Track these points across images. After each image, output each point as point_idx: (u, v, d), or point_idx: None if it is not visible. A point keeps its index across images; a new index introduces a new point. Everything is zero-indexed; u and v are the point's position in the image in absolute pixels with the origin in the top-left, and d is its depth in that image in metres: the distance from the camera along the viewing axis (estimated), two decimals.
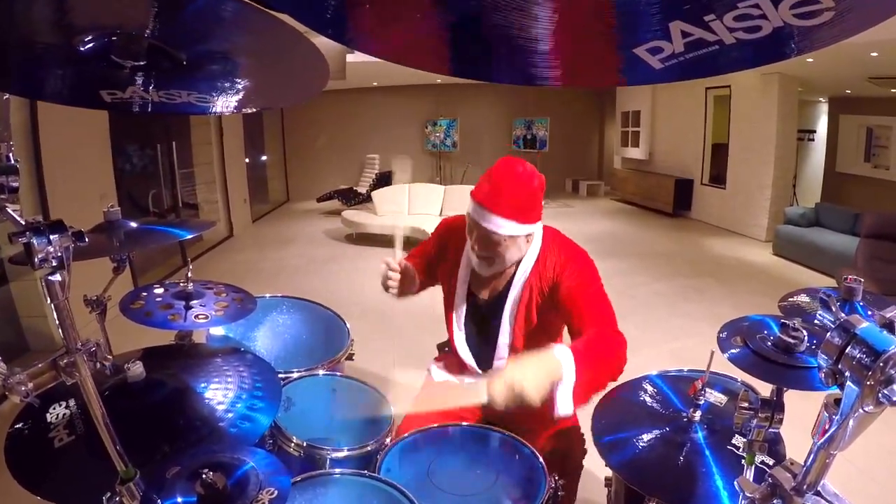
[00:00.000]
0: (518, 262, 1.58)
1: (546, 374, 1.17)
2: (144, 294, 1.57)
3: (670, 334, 4.30)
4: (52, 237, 0.63)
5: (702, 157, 9.26)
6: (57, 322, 0.65)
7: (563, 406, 1.19)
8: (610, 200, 11.75)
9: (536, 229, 1.54)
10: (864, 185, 7.81)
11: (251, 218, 9.31)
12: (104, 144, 4.78)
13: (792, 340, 0.85)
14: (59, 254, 0.64)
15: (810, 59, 6.35)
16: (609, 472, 1.48)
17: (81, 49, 0.66)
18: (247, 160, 9.43)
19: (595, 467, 2.40)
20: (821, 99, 8.90)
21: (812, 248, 6.24)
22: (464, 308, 1.69)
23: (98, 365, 0.70)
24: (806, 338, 0.86)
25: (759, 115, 7.81)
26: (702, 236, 8.14)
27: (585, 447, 1.66)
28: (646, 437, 1.16)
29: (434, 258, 1.80)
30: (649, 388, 1.35)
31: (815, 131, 9.16)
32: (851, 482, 2.45)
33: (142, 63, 0.69)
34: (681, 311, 4.81)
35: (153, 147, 6.48)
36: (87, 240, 0.65)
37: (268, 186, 11.30)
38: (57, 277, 0.64)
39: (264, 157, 11.19)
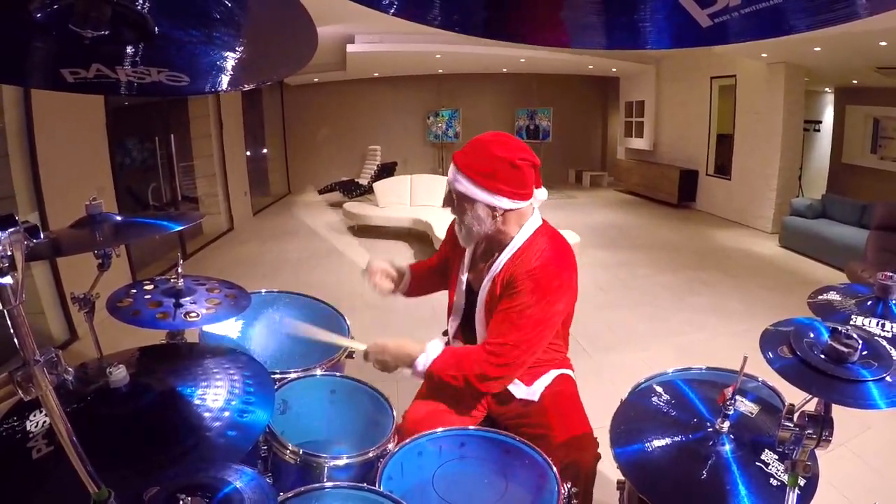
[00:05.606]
0: (500, 251, 1.57)
1: (406, 355, 1.53)
2: (133, 291, 1.50)
3: (677, 328, 4.21)
4: None
5: (707, 147, 9.15)
6: (12, 330, 0.56)
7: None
8: (614, 191, 11.64)
9: (501, 204, 1.47)
10: (870, 176, 7.68)
11: (252, 211, 9.23)
12: (101, 138, 4.70)
13: (844, 349, 0.76)
14: (9, 253, 0.55)
15: (818, 49, 6.23)
16: (621, 475, 1.42)
17: (38, 16, 0.57)
18: (247, 153, 9.34)
19: (607, 469, 2.34)
20: (827, 89, 8.75)
21: (819, 240, 6.15)
22: (463, 293, 1.72)
23: (60, 377, 0.62)
24: (860, 346, 0.76)
25: (764, 106, 7.69)
26: (707, 227, 8.04)
27: (599, 451, 1.61)
28: (666, 447, 1.07)
29: (447, 257, 1.86)
30: (667, 391, 1.27)
31: (821, 122, 9.02)
32: (863, 480, 2.38)
33: (105, 33, 0.60)
34: (687, 304, 4.72)
35: (152, 140, 6.40)
36: (42, 236, 0.57)
37: (268, 179, 11.19)
38: (8, 280, 0.55)
39: (265, 150, 11.07)
